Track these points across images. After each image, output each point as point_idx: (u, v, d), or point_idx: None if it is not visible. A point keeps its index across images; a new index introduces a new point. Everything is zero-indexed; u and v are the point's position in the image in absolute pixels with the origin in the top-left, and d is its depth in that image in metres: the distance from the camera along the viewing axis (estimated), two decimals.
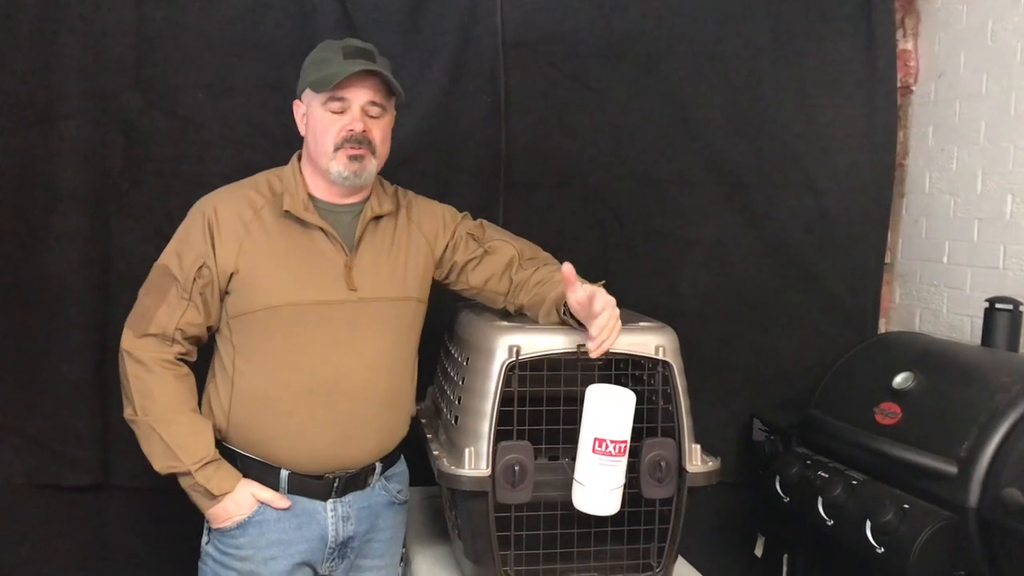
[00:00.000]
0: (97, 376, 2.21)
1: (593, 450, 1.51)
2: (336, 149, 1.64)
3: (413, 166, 2.32)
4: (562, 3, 2.43)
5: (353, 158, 1.64)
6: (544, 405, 1.58)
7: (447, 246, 1.82)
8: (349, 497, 1.72)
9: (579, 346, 1.56)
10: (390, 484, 1.80)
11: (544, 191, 2.48)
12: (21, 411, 2.20)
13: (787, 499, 2.19)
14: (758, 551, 2.51)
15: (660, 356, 1.60)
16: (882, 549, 1.84)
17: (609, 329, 1.53)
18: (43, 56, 2.13)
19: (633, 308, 1.87)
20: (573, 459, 1.57)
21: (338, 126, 1.64)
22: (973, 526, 1.75)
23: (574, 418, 1.56)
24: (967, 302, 2.50)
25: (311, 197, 1.70)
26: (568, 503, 1.57)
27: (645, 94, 2.51)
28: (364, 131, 1.65)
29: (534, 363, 1.57)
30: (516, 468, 1.54)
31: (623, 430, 1.51)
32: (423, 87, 2.36)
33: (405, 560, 1.91)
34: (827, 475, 2.06)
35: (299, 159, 1.74)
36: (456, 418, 1.65)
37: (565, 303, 1.57)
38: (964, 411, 1.85)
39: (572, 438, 1.56)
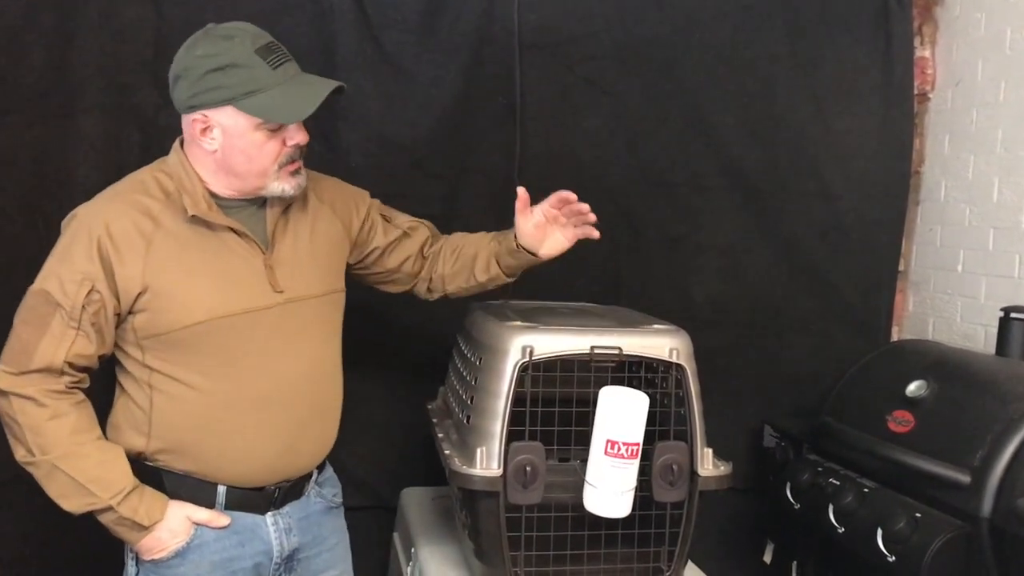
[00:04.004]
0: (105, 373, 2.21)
1: (605, 452, 1.51)
2: (280, 168, 1.50)
3: (427, 167, 2.33)
4: (579, 6, 2.43)
5: (294, 173, 1.53)
6: (556, 406, 1.57)
7: (362, 229, 1.74)
8: (287, 508, 1.63)
9: (592, 347, 1.56)
10: (323, 490, 1.72)
11: None
12: None
13: (797, 506, 2.18)
14: (767, 558, 2.49)
15: (674, 359, 1.60)
16: (893, 558, 1.82)
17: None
18: (62, 52, 2.14)
19: (644, 312, 1.87)
20: (585, 461, 1.57)
21: (277, 143, 1.49)
22: (986, 536, 1.74)
23: (586, 420, 1.56)
24: (981, 311, 2.49)
25: (211, 194, 1.52)
26: (579, 505, 1.57)
27: (660, 98, 2.50)
28: (307, 141, 1.54)
29: (547, 364, 1.57)
30: (528, 469, 1.53)
31: (635, 432, 1.51)
32: (438, 88, 2.36)
33: (414, 559, 1.91)
34: (838, 482, 2.05)
35: (182, 147, 1.54)
36: (468, 418, 1.64)
37: (515, 241, 1.61)
38: (978, 420, 1.84)
39: (584, 440, 1.56)
